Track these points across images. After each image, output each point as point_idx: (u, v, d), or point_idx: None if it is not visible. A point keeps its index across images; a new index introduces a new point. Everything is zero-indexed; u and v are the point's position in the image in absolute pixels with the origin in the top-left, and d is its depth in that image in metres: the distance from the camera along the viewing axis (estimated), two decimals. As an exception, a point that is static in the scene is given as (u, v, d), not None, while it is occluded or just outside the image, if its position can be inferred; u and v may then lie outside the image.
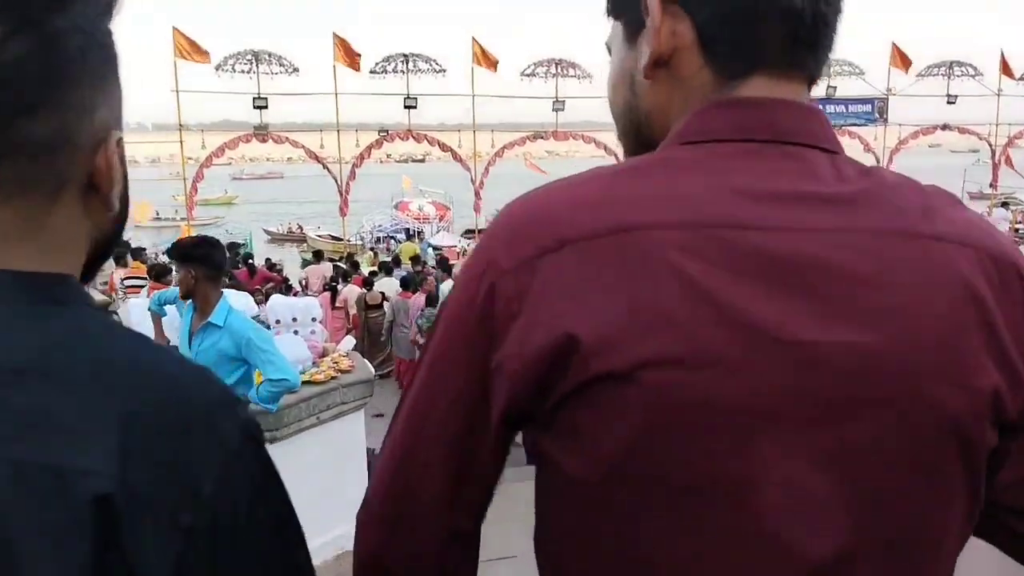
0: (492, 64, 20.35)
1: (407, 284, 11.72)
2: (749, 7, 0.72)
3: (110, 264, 12.53)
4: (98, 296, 10.37)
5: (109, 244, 0.75)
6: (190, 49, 18.19)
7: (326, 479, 4.88)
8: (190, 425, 0.62)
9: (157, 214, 36.46)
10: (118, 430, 0.58)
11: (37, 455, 0.56)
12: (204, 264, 3.77)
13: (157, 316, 4.76)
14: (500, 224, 0.73)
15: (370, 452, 6.01)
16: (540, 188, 0.74)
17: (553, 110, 21.71)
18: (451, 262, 16.30)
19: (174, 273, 3.90)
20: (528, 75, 21.99)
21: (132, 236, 24.42)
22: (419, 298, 11.02)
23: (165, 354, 0.67)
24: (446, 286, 11.34)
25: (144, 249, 13.36)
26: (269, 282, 13.36)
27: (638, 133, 0.82)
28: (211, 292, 3.80)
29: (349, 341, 6.64)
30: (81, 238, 0.70)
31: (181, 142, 19.15)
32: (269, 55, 20.22)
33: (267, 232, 36.42)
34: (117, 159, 0.70)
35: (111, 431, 0.58)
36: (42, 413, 0.57)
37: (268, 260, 18.01)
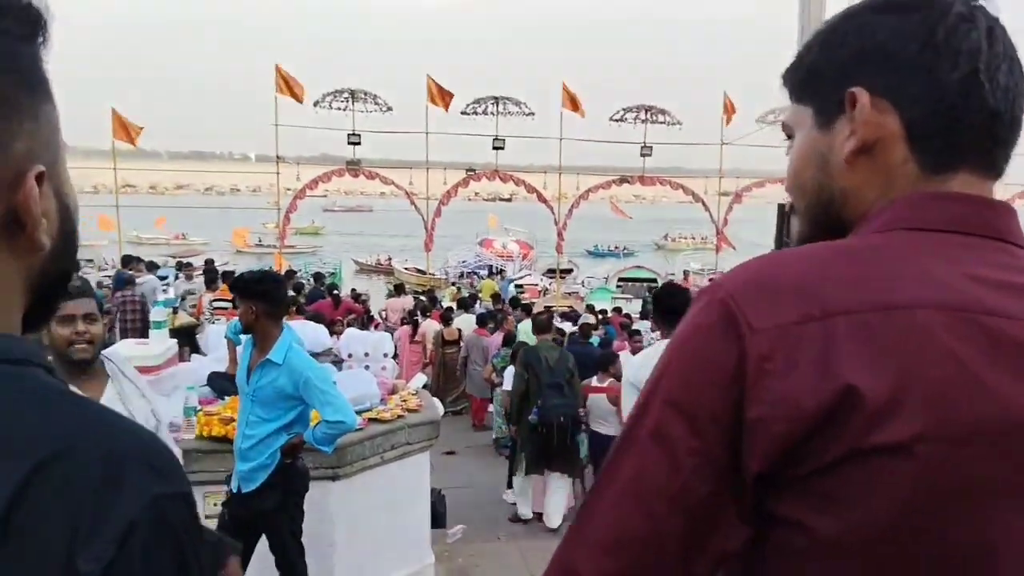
0: (577, 107, 20.39)
1: (483, 321, 11.72)
2: (957, 107, 0.78)
3: (201, 287, 13.05)
4: (185, 318, 10.81)
5: (55, 284, 0.69)
6: (290, 85, 18.94)
7: (387, 520, 4.82)
8: (78, 495, 0.55)
9: (260, 240, 37.91)
10: None
11: None
12: (264, 300, 3.68)
13: (232, 343, 4.83)
14: (738, 286, 0.75)
15: (434, 492, 5.93)
16: (766, 257, 0.79)
17: (641, 155, 21.62)
18: (527, 299, 16.21)
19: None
20: (617, 120, 22.01)
21: (231, 260, 25.50)
22: (497, 337, 10.98)
23: (78, 418, 0.60)
24: (524, 326, 11.28)
25: (233, 272, 13.81)
26: (351, 313, 13.59)
27: (827, 208, 0.87)
28: (271, 328, 3.71)
29: (420, 378, 6.63)
30: (10, 282, 0.65)
31: (278, 173, 19.97)
32: (365, 93, 20.89)
33: (356, 262, 37.44)
34: (47, 193, 0.64)
35: None
36: None
37: (354, 291, 18.38)
